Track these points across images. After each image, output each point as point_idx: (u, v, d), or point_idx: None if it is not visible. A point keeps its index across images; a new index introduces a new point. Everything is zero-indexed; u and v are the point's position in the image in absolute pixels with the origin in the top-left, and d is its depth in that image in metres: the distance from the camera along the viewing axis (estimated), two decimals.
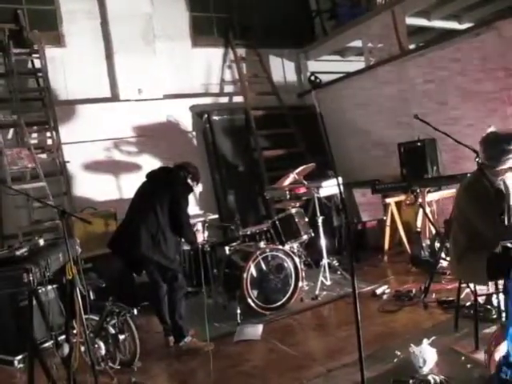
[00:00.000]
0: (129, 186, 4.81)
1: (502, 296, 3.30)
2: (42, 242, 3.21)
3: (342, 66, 7.94)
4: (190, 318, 4.00)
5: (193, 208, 6.18)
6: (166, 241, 3.81)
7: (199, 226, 4.41)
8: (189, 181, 4.09)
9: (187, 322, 3.89)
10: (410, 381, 2.76)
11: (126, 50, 6.16)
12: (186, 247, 5.11)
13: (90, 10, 6.15)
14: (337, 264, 5.28)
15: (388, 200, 5.75)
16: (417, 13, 6.49)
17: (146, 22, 6.34)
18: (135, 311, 3.64)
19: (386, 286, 4.69)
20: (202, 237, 4.39)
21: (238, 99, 7.17)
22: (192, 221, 4.41)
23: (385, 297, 4.50)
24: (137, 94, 6.21)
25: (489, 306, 3.53)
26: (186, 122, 6.78)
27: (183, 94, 6.69)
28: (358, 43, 7.22)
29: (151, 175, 4.16)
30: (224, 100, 7.21)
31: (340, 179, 2.66)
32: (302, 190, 5.42)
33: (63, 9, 6.03)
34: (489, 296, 3.55)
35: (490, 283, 3.32)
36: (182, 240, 4.38)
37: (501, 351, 2.41)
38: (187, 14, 6.93)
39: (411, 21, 6.45)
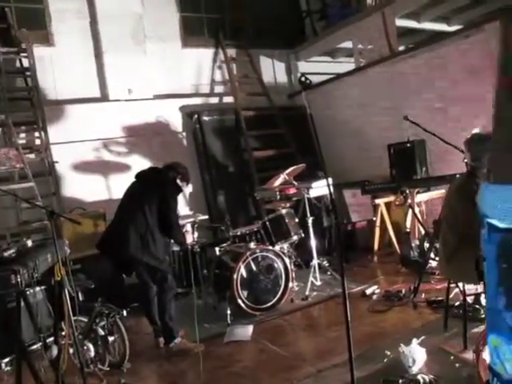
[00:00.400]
0: (118, 186, 4.78)
1: None
2: (30, 242, 3.17)
3: (332, 67, 7.96)
4: (180, 319, 3.99)
5: (183, 209, 6.17)
6: (155, 241, 3.80)
7: (188, 227, 4.39)
8: (178, 181, 4.07)
9: (177, 322, 3.88)
10: (400, 380, 2.78)
11: (116, 49, 6.13)
12: (176, 248, 5.09)
13: (79, 9, 6.10)
14: (327, 264, 5.30)
15: (378, 201, 5.77)
16: (407, 14, 6.53)
17: (136, 22, 6.31)
18: (125, 312, 3.62)
19: (375, 287, 4.71)
20: (191, 238, 4.38)
21: (229, 100, 7.16)
22: (181, 222, 4.40)
23: (374, 297, 4.52)
24: (127, 94, 6.18)
25: (477, 306, 3.56)
26: (176, 122, 6.76)
27: (173, 95, 6.67)
28: (348, 44, 7.25)
29: (140, 175, 4.14)
30: (214, 100, 7.20)
31: (330, 180, 2.67)
32: (292, 191, 5.42)
33: (52, 7, 5.98)
34: (477, 296, 3.58)
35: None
36: (172, 241, 4.36)
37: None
38: (178, 14, 6.91)
39: (401, 22, 6.49)
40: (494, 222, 1.38)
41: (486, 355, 2.44)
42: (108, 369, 3.40)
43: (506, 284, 1.37)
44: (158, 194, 3.85)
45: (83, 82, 6.06)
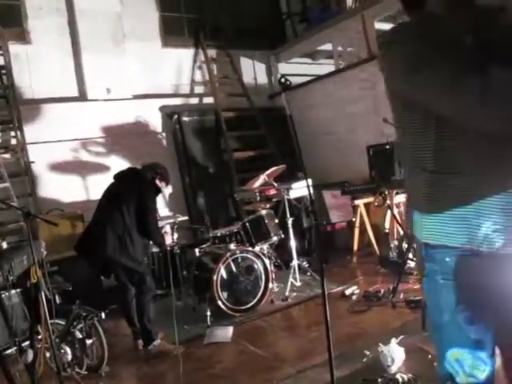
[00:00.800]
0: (96, 187, 4.72)
1: None
2: (5, 244, 3.12)
3: (312, 68, 8.00)
4: (160, 321, 3.96)
5: (162, 210, 6.12)
6: (133, 243, 3.76)
7: (167, 229, 4.35)
8: (157, 182, 4.04)
9: (156, 324, 3.85)
10: (379, 380, 2.80)
11: (94, 48, 6.05)
12: (155, 249, 5.05)
13: (56, 7, 6.00)
14: (306, 265, 5.32)
15: (357, 202, 5.82)
16: (386, 18, 6.60)
17: (115, 20, 6.24)
18: (103, 315, 3.57)
19: (355, 287, 4.74)
20: (170, 239, 4.34)
21: (209, 100, 7.14)
22: (160, 223, 4.37)
23: (354, 297, 4.55)
24: (105, 93, 6.10)
25: None
26: (156, 122, 6.71)
27: (153, 95, 6.62)
28: (328, 46, 7.29)
29: (119, 176, 4.10)
30: (194, 101, 7.16)
31: (310, 181, 2.68)
32: (272, 192, 5.43)
33: (28, 4, 5.86)
34: None
35: None
36: (151, 242, 4.32)
37: None
38: (157, 13, 6.86)
39: (380, 25, 6.55)
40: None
41: None
42: (86, 372, 3.34)
43: (466, 299, 1.38)
44: (136, 195, 3.82)
45: (61, 81, 5.96)
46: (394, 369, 2.92)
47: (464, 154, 1.31)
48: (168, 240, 4.22)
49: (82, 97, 6.11)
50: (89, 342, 3.37)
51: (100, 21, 6.09)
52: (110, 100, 6.16)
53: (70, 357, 3.26)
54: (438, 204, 1.37)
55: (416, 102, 1.33)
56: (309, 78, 7.35)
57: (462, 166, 1.31)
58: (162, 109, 6.74)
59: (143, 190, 3.89)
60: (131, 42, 6.43)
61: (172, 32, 7.02)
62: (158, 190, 4.07)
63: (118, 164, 5.76)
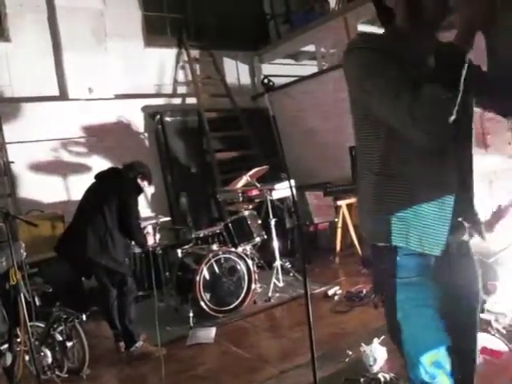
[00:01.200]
0: (77, 187, 4.66)
1: None
2: None
3: (295, 69, 8.03)
4: (142, 322, 3.93)
5: (144, 210, 6.08)
6: (115, 243, 3.72)
7: (150, 229, 4.31)
8: (139, 181, 4.00)
9: (139, 326, 3.82)
10: (361, 379, 2.82)
11: (76, 47, 5.97)
12: (137, 250, 5.01)
13: (36, 4, 5.91)
14: (289, 266, 5.33)
15: (339, 202, 5.86)
16: (368, 20, 6.66)
17: (97, 18, 6.17)
18: (84, 317, 3.53)
19: (337, 287, 4.77)
20: (152, 239, 4.31)
21: (192, 101, 7.11)
22: (143, 223, 4.33)
23: (336, 298, 4.58)
24: (87, 93, 6.03)
25: None
26: (138, 122, 6.65)
27: (135, 94, 6.56)
28: (311, 48, 7.32)
29: (100, 176, 4.05)
30: (177, 101, 7.12)
31: (292, 182, 2.68)
32: (255, 193, 5.43)
33: (7, 1, 5.76)
34: None
35: None
36: (132, 243, 4.29)
37: None
38: (140, 12, 6.80)
39: (363, 28, 6.60)
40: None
41: None
42: (66, 375, 3.30)
43: (421, 297, 1.45)
44: (117, 195, 3.78)
45: (41, 80, 5.87)
46: (376, 368, 2.94)
47: (406, 162, 1.42)
48: (150, 240, 4.20)
49: (62, 96, 6.03)
50: (69, 344, 3.33)
51: (81, 18, 6.01)
52: (92, 99, 6.09)
53: (49, 360, 3.21)
54: (382, 205, 1.46)
55: (366, 107, 1.44)
56: (292, 79, 7.37)
57: (403, 172, 1.42)
58: (145, 109, 6.69)
59: (124, 189, 3.85)
60: (113, 40, 6.36)
61: (155, 31, 6.97)
62: (140, 190, 4.04)
63: (100, 164, 5.69)
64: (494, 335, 2.50)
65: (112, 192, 3.81)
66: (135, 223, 3.86)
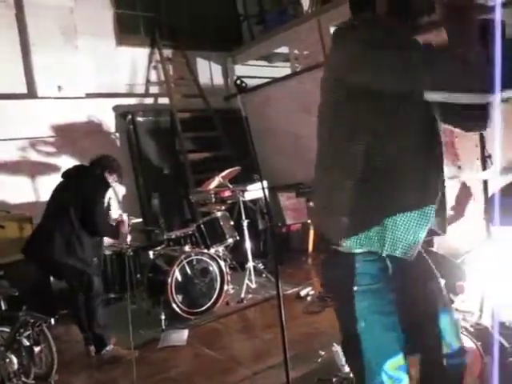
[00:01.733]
0: (46, 188, 4.54)
1: None
2: None
3: (268, 71, 8.04)
4: (113, 325, 3.87)
5: (115, 211, 5.99)
6: (82, 243, 3.63)
7: (124, 216, 4.11)
8: (106, 175, 3.89)
9: (110, 329, 3.76)
10: (334, 379, 2.84)
11: (45, 44, 5.83)
12: (108, 252, 4.93)
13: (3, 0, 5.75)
14: (262, 267, 5.34)
15: (312, 203, 5.88)
16: (342, 23, 6.73)
17: (67, 16, 6.04)
18: (52, 320, 3.43)
19: (309, 288, 4.80)
20: (127, 227, 4.08)
21: (164, 101, 7.04)
22: (117, 212, 4.18)
23: (309, 298, 4.61)
24: (56, 91, 5.90)
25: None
26: (109, 122, 6.55)
27: (106, 94, 6.46)
28: (284, 49, 7.36)
29: (66, 174, 3.96)
30: (149, 101, 7.05)
31: (265, 183, 2.68)
32: (228, 194, 5.42)
33: None
34: None
35: None
36: (104, 243, 4.19)
37: None
38: (112, 10, 6.70)
39: None
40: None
41: None
42: (33, 382, 3.21)
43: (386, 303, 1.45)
44: (82, 193, 3.69)
45: (8, 77, 5.70)
46: (348, 368, 2.96)
47: (390, 167, 1.41)
48: (124, 229, 4.03)
49: (31, 94, 5.87)
50: (37, 349, 3.23)
51: (50, 16, 5.87)
52: (62, 98, 5.96)
53: (15, 366, 3.11)
54: (358, 209, 1.44)
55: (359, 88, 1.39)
56: (265, 81, 7.39)
57: (387, 177, 1.41)
58: (116, 108, 6.60)
59: (90, 187, 3.75)
60: (84, 39, 6.24)
61: (127, 30, 6.88)
62: (107, 185, 3.92)
63: (69, 164, 5.45)
64: (461, 333, 2.55)
65: (77, 191, 3.72)
66: (101, 221, 3.74)
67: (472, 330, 2.87)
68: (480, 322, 3.10)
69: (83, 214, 3.65)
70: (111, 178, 3.94)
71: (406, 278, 1.47)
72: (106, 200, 4.00)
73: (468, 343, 2.51)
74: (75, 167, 4.07)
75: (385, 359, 1.42)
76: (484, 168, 3.26)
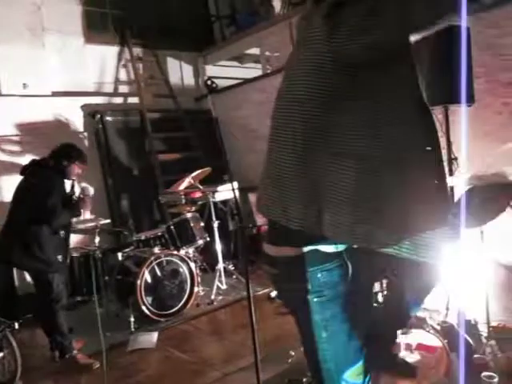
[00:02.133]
0: (10, 188, 4.41)
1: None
2: None
3: (239, 72, 8.04)
4: (80, 329, 3.79)
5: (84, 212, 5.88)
6: (41, 243, 3.49)
7: (88, 191, 3.90)
8: (65, 164, 3.71)
9: (76, 332, 3.67)
10: (304, 379, 2.86)
11: (10, 40, 5.66)
12: (76, 254, 4.82)
13: None
14: (232, 268, 5.33)
15: None
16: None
17: (33, 12, 5.89)
18: (16, 325, 3.33)
19: None
20: (89, 205, 3.88)
21: (134, 100, 6.95)
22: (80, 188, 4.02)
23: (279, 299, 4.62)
24: (21, 89, 5.74)
25: (375, 304, 3.76)
26: (77, 121, 6.41)
27: (74, 92, 6.33)
28: (255, 51, 7.37)
29: (23, 171, 3.82)
30: (119, 100, 6.94)
31: (235, 184, 2.69)
32: (198, 195, 5.38)
33: None
34: (375, 294, 3.79)
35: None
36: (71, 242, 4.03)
37: None
38: (80, 7, 6.57)
39: None
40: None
41: None
42: None
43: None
44: (37, 189, 3.57)
45: None
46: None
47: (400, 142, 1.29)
48: (87, 206, 3.82)
49: None
50: None
51: (16, 11, 5.72)
52: (27, 96, 5.80)
53: None
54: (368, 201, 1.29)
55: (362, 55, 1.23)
56: (236, 82, 7.39)
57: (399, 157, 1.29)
58: (84, 107, 6.47)
59: (42, 181, 3.61)
60: (51, 35, 6.10)
61: (96, 28, 6.75)
62: (64, 175, 3.73)
63: None
64: (428, 331, 2.61)
65: (33, 187, 3.61)
66: (55, 215, 3.52)
67: (438, 328, 2.94)
68: (446, 320, 3.18)
69: (38, 209, 3.49)
70: (69, 168, 3.75)
71: (358, 278, 1.40)
72: (69, 188, 3.85)
73: (435, 341, 2.57)
74: (30, 162, 3.89)
75: (347, 367, 1.39)
76: (450, 170, 3.34)
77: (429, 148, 1.29)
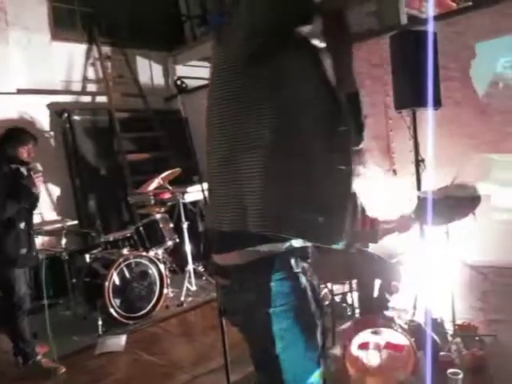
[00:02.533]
0: None
1: (355, 294, 3.59)
2: None
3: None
4: (46, 333, 3.69)
5: (49, 213, 5.76)
6: None
7: (38, 167, 3.51)
8: (9, 151, 3.45)
9: (41, 337, 3.58)
10: None
11: None
12: (42, 255, 4.70)
13: None
14: (202, 269, 5.31)
15: None
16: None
17: None
18: None
19: None
20: (41, 181, 3.53)
21: (102, 99, 6.83)
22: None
23: None
24: None
25: (344, 304, 3.82)
26: (43, 120, 6.26)
27: (40, 90, 6.17)
28: None
29: None
30: (87, 99, 6.81)
31: (205, 185, 2.67)
32: (167, 196, 5.34)
33: None
34: (344, 294, 3.84)
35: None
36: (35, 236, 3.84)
37: (354, 344, 2.64)
38: (46, 3, 6.42)
39: None
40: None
41: (352, 350, 2.63)
42: None
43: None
44: None
45: None
46: None
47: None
48: (35, 184, 3.46)
49: None
50: None
51: None
52: None
53: None
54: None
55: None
56: (207, 82, 7.36)
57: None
58: (50, 106, 6.32)
59: None
60: (16, 31, 5.94)
61: (63, 25, 6.60)
62: (11, 160, 3.43)
63: None
64: (396, 330, 2.66)
65: None
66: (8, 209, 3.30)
67: (406, 326, 3.00)
68: (413, 319, 3.25)
69: None
70: (13, 153, 3.47)
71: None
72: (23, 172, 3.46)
73: (402, 340, 2.62)
74: None
75: (307, 377, 1.36)
76: (418, 171, 3.42)
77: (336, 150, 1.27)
